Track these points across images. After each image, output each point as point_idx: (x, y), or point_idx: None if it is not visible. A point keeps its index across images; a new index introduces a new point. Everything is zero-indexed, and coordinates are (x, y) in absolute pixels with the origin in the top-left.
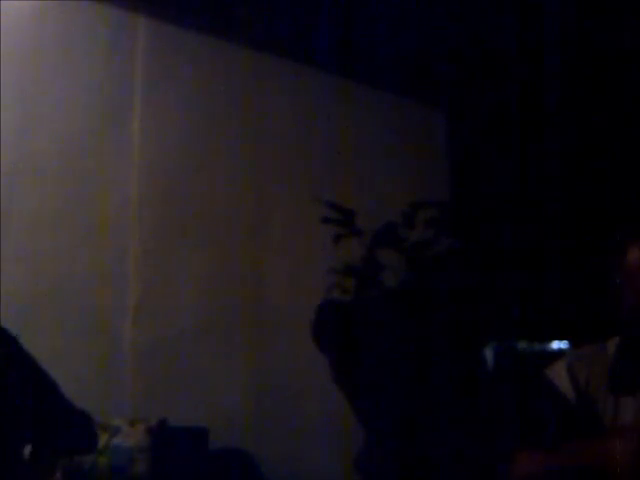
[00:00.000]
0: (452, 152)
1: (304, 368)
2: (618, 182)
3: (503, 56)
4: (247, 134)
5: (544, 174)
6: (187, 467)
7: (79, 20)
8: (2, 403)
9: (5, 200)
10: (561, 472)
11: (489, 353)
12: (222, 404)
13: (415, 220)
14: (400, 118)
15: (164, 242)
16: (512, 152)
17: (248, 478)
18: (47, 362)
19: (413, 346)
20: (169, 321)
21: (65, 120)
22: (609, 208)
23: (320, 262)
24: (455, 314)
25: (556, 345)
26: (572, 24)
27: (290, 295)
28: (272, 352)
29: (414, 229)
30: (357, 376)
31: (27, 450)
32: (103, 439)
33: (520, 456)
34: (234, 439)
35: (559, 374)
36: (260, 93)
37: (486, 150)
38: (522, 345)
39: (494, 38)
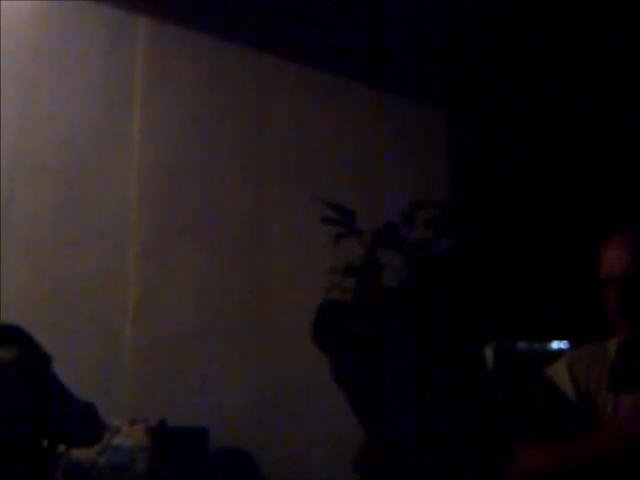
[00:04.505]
0: (452, 152)
1: (304, 368)
2: (618, 181)
3: (503, 56)
4: (247, 134)
5: (544, 174)
6: (187, 467)
7: (79, 20)
8: (22, 400)
9: (5, 200)
10: (562, 468)
11: (489, 353)
12: (222, 404)
13: (415, 220)
14: (400, 118)
15: (164, 242)
16: (512, 152)
17: (248, 478)
18: None
19: (413, 346)
20: (169, 321)
21: (65, 120)
22: (609, 207)
23: (320, 262)
24: (455, 314)
25: (556, 345)
26: (571, 24)
27: (290, 295)
28: (272, 352)
29: (414, 229)
30: (357, 375)
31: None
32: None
33: (521, 454)
34: (234, 439)
35: (559, 374)
36: (260, 93)
37: (486, 150)
38: (522, 345)
39: (494, 38)
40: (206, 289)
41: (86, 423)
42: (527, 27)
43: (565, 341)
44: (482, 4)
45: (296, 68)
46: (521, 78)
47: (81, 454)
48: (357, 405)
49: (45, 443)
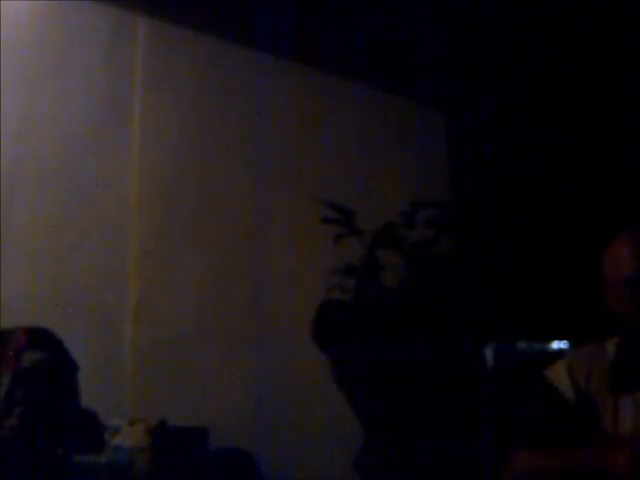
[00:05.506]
0: (452, 152)
1: (304, 368)
2: (618, 182)
3: (503, 56)
4: (247, 134)
5: (544, 174)
6: (187, 467)
7: (79, 20)
8: (48, 405)
9: (5, 200)
10: (559, 472)
11: (489, 353)
12: (222, 404)
13: (415, 220)
14: (400, 118)
15: (164, 242)
16: (512, 152)
17: (248, 478)
18: None
19: (413, 346)
20: (169, 321)
21: (65, 120)
22: (610, 207)
23: (320, 262)
24: (455, 314)
25: (556, 345)
26: (570, 24)
27: (290, 295)
28: (272, 352)
29: (414, 229)
30: (357, 375)
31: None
32: None
33: (519, 455)
34: (234, 439)
35: (559, 374)
36: (260, 93)
37: (486, 150)
38: (522, 345)
39: (494, 37)
40: (206, 289)
41: (86, 430)
42: (527, 27)
43: (565, 341)
44: (483, 5)
45: (296, 68)
46: (521, 78)
47: (81, 454)
48: (357, 404)
49: (60, 451)
